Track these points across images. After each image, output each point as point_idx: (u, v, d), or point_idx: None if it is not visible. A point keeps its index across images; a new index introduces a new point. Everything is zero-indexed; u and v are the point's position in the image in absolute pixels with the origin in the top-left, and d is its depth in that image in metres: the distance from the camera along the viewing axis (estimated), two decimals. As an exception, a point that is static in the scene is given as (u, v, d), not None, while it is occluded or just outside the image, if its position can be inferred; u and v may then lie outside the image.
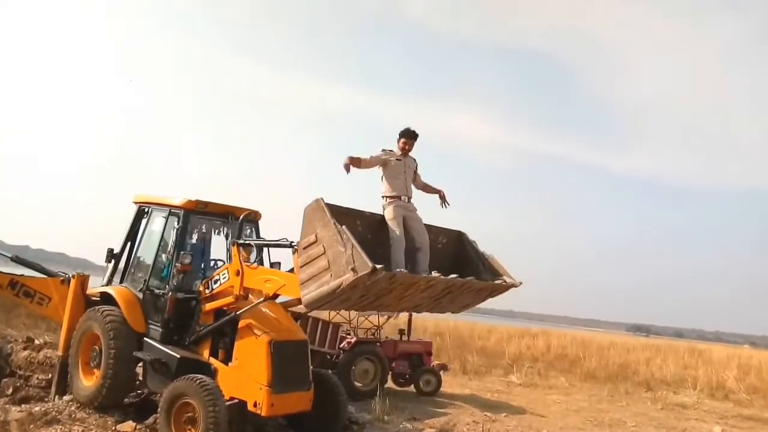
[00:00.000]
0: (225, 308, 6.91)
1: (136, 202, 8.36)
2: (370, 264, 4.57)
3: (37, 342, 10.68)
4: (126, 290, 7.80)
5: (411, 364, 12.09)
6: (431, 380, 11.94)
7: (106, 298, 7.85)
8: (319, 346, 10.98)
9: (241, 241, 6.88)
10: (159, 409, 6.53)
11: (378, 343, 11.68)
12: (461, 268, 5.84)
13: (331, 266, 4.84)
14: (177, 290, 7.21)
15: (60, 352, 8.21)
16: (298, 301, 7.30)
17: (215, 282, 6.98)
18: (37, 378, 8.98)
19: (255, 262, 6.82)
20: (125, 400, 7.76)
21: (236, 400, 6.44)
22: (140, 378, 7.49)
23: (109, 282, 8.29)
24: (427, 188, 6.47)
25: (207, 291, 7.07)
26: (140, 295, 7.65)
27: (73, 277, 8.45)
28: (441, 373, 12.39)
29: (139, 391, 7.99)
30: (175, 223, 7.56)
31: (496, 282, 5.96)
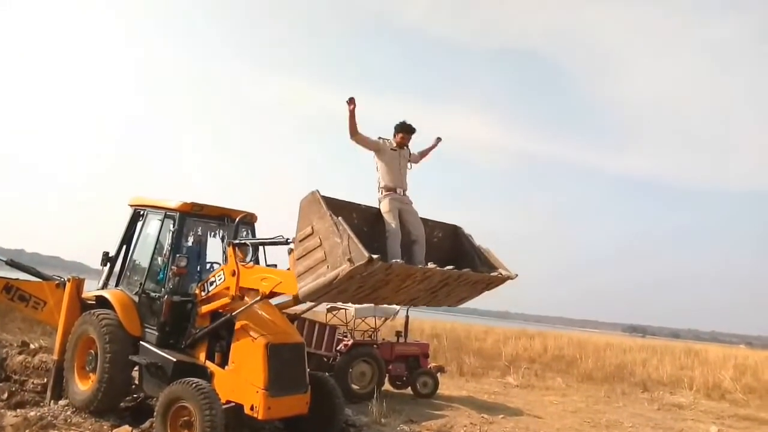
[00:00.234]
0: (221, 310, 6.89)
1: (131, 205, 8.33)
2: (367, 254, 4.56)
3: (32, 346, 10.63)
4: (122, 294, 7.77)
5: (408, 366, 12.08)
6: (428, 382, 11.93)
7: (102, 302, 7.82)
8: (316, 348, 10.97)
9: (237, 241, 6.86)
10: (155, 413, 6.50)
11: (375, 346, 11.67)
12: (457, 261, 5.83)
13: (327, 258, 4.83)
14: (173, 293, 7.18)
15: (55, 357, 8.17)
16: (294, 302, 7.30)
17: (211, 284, 6.96)
18: (33, 382, 8.93)
19: (251, 262, 6.79)
20: (121, 404, 7.73)
21: (233, 404, 6.41)
22: (136, 382, 7.46)
23: (105, 285, 8.26)
24: (423, 153, 6.44)
25: (203, 293, 7.04)
26: (136, 299, 7.62)
27: (69, 280, 8.42)
28: (438, 375, 12.40)
29: (135, 395, 7.96)
30: (171, 225, 7.53)
31: (492, 274, 5.95)
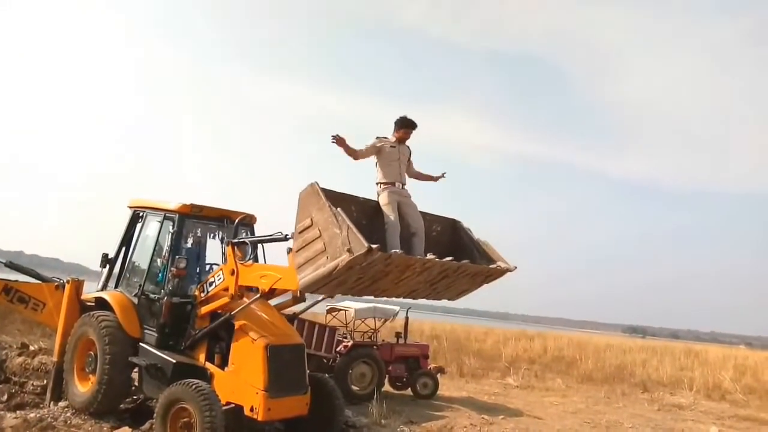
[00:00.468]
0: (220, 311, 6.89)
1: (130, 207, 8.33)
2: (366, 244, 4.56)
3: (31, 348, 10.63)
4: (121, 295, 7.77)
5: (408, 367, 12.07)
6: (428, 383, 11.92)
7: (101, 304, 7.81)
8: (316, 349, 10.96)
9: (236, 240, 6.85)
10: (155, 415, 6.49)
11: (375, 347, 11.67)
12: (456, 255, 5.82)
13: (326, 248, 4.83)
14: (172, 295, 7.17)
15: (55, 358, 8.17)
16: (294, 301, 7.29)
17: (210, 285, 6.96)
18: (32, 384, 8.92)
19: (250, 260, 6.78)
20: (121, 405, 7.72)
21: (233, 405, 6.41)
22: (136, 383, 7.45)
23: (104, 287, 8.26)
24: (420, 176, 6.43)
25: (202, 294, 7.04)
26: (135, 300, 7.62)
27: (68, 282, 8.41)
28: (438, 375, 12.39)
29: (134, 397, 7.96)
30: (170, 227, 7.53)
31: (491, 266, 5.95)
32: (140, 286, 7.64)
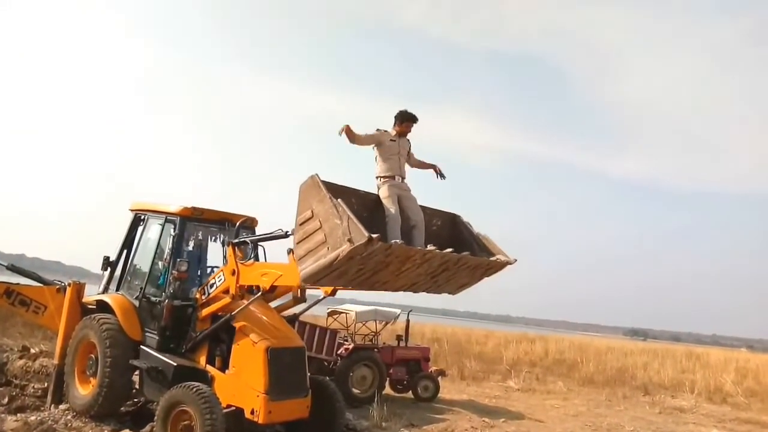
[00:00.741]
0: (220, 313, 6.89)
1: (132, 210, 8.35)
2: (366, 234, 4.57)
3: (33, 351, 10.62)
4: (122, 298, 7.78)
5: (409, 370, 12.07)
6: (429, 386, 11.91)
7: (103, 306, 7.83)
8: (317, 352, 10.96)
9: (236, 240, 6.86)
10: (155, 418, 6.49)
11: (376, 350, 11.66)
12: (456, 248, 5.80)
13: (327, 239, 4.84)
14: (173, 298, 7.18)
15: (56, 361, 8.18)
16: (294, 302, 7.30)
17: (211, 286, 6.96)
18: (33, 387, 8.93)
19: (251, 260, 6.79)
20: (122, 408, 7.72)
21: (233, 408, 6.42)
22: (137, 386, 7.45)
23: (106, 290, 8.28)
24: (422, 165, 6.41)
25: (203, 297, 7.05)
26: (136, 303, 7.63)
27: (69, 285, 8.43)
28: (439, 378, 12.37)
29: (135, 400, 7.95)
30: (172, 230, 7.54)
31: (491, 259, 5.94)
32: (141, 289, 7.66)
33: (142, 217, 8.16)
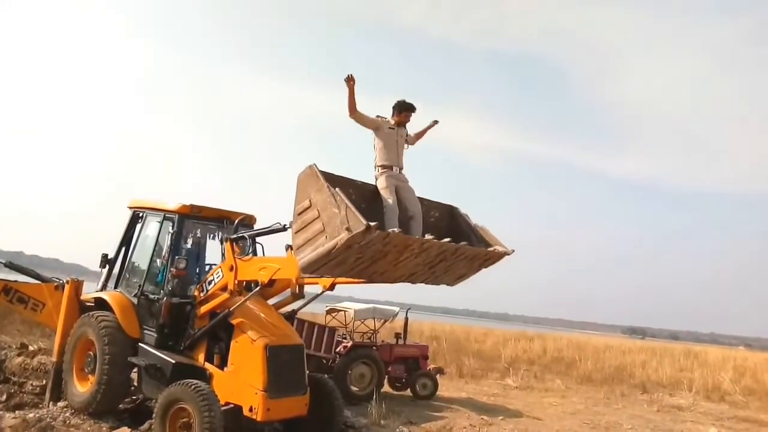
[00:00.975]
0: (218, 310, 6.89)
1: (130, 207, 8.33)
2: (364, 222, 4.57)
3: (31, 348, 10.63)
4: (121, 295, 7.77)
5: (407, 368, 12.08)
6: (428, 384, 11.93)
7: (101, 304, 7.82)
8: (315, 350, 10.96)
9: (234, 236, 6.84)
10: (154, 415, 6.49)
11: (374, 347, 11.67)
12: (454, 240, 5.80)
13: (325, 228, 4.84)
14: (172, 295, 7.18)
15: (54, 358, 8.17)
16: (293, 298, 7.29)
17: (209, 283, 6.95)
18: (32, 384, 8.93)
19: (249, 255, 6.77)
20: (120, 405, 7.72)
21: (232, 405, 6.41)
22: (135, 384, 7.45)
23: (104, 287, 8.27)
24: (419, 134, 6.37)
25: (202, 294, 7.04)
26: (135, 301, 7.62)
27: (68, 282, 8.42)
28: (437, 376, 12.39)
29: (134, 397, 7.95)
30: (170, 227, 7.53)
31: (489, 249, 5.94)
32: (140, 286, 7.65)
33: (141, 214, 8.15)
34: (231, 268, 6.60)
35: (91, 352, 7.55)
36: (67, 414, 7.40)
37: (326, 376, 8.64)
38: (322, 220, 4.89)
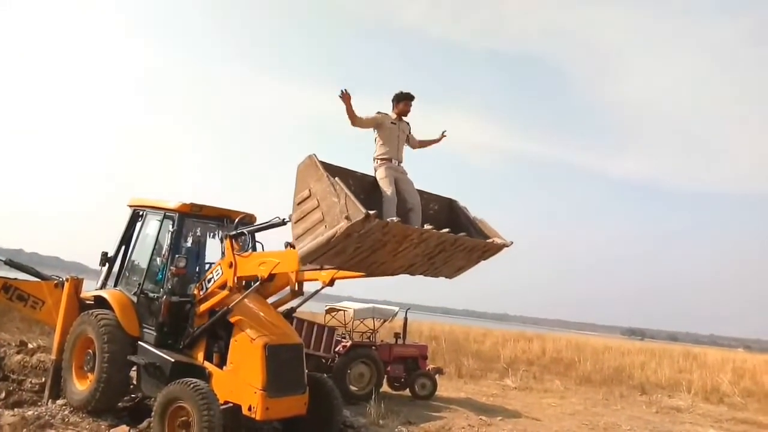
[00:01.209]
0: (217, 308, 6.87)
1: (130, 206, 8.32)
2: (364, 210, 4.57)
3: (30, 346, 10.62)
4: (120, 294, 7.77)
5: (406, 368, 12.08)
6: (427, 384, 11.93)
7: (101, 302, 7.82)
8: (315, 349, 10.97)
9: (233, 233, 6.83)
10: (153, 413, 6.49)
11: (373, 347, 11.67)
12: (453, 232, 5.81)
13: (325, 217, 4.84)
14: (171, 294, 7.18)
15: (53, 356, 8.17)
16: (292, 295, 7.27)
17: (209, 281, 6.95)
18: (31, 382, 8.93)
19: (249, 251, 6.75)
20: (119, 404, 7.72)
21: (231, 404, 6.40)
22: (134, 382, 7.45)
23: (104, 285, 8.26)
24: (424, 143, 6.38)
25: (201, 292, 7.03)
26: (134, 299, 7.62)
27: (67, 280, 8.42)
28: (436, 376, 12.39)
29: (133, 395, 7.95)
30: (170, 226, 7.53)
31: (488, 241, 5.94)
32: (140, 284, 7.65)
33: (141, 213, 8.15)
34: (230, 265, 6.60)
35: (90, 351, 7.55)
36: (66, 412, 7.40)
37: (325, 375, 8.64)
38: (321, 210, 4.89)
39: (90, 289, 8.41)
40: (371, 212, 4.61)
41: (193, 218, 7.75)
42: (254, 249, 6.90)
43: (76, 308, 8.17)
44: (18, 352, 10.00)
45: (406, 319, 13.01)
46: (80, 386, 7.53)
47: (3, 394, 8.32)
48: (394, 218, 5.15)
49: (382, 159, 5.83)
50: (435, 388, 12.02)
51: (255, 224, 7.31)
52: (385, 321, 12.62)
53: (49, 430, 6.88)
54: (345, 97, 5.55)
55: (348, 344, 11.29)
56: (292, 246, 5.51)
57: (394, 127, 5.94)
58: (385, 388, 11.72)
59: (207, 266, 7.99)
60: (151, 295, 7.46)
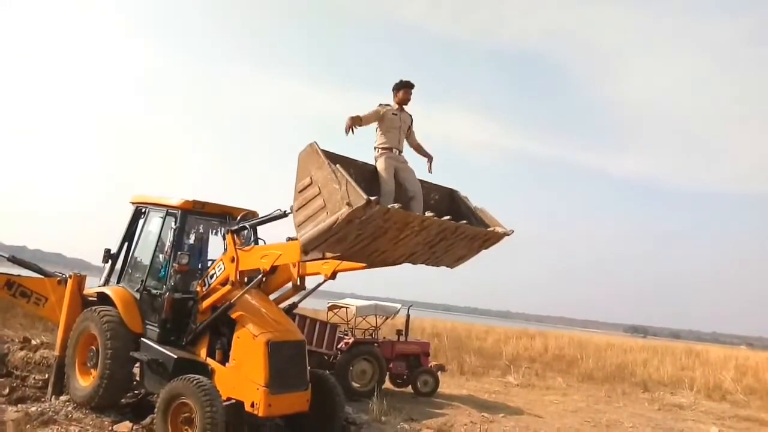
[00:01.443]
0: (218, 304, 6.88)
1: (133, 203, 8.34)
2: (365, 196, 4.59)
3: (33, 342, 10.65)
4: (123, 290, 7.79)
5: (409, 365, 12.09)
6: (429, 381, 11.94)
7: (103, 299, 7.84)
8: (317, 346, 10.98)
9: (235, 227, 6.84)
10: (156, 410, 6.51)
11: (376, 344, 11.68)
12: (454, 221, 5.81)
13: (326, 204, 4.86)
14: (174, 290, 7.20)
15: (57, 353, 8.20)
16: (294, 290, 7.27)
17: (212, 277, 6.96)
18: (34, 378, 8.96)
19: (251, 245, 6.76)
20: (122, 400, 7.74)
21: (233, 401, 6.43)
22: (137, 378, 7.46)
23: (106, 282, 8.28)
24: (420, 149, 6.35)
25: (204, 289, 7.05)
26: (137, 296, 7.64)
27: (70, 277, 8.44)
28: (438, 373, 12.40)
29: (136, 392, 7.97)
30: (173, 223, 7.54)
31: (489, 229, 5.93)
32: (142, 281, 7.67)
33: (143, 210, 8.16)
34: (232, 260, 6.61)
35: (93, 347, 7.57)
36: (69, 408, 7.42)
37: (328, 372, 8.65)
38: (323, 197, 4.90)
39: (93, 286, 8.43)
40: (372, 198, 4.62)
41: (196, 215, 7.77)
42: (256, 244, 6.91)
43: (79, 305, 8.19)
44: (21, 349, 10.02)
45: (408, 316, 13.03)
46: (83, 382, 7.56)
47: (6, 390, 8.35)
48: (395, 205, 5.15)
49: (382, 148, 5.83)
50: (437, 385, 12.04)
51: (257, 218, 7.31)
52: (387, 318, 12.63)
53: (53, 426, 6.90)
54: (351, 125, 5.55)
55: (350, 341, 11.30)
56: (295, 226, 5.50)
57: (395, 117, 5.93)
58: (387, 385, 11.73)
59: (209, 263, 8.00)
60: (154, 291, 7.48)
